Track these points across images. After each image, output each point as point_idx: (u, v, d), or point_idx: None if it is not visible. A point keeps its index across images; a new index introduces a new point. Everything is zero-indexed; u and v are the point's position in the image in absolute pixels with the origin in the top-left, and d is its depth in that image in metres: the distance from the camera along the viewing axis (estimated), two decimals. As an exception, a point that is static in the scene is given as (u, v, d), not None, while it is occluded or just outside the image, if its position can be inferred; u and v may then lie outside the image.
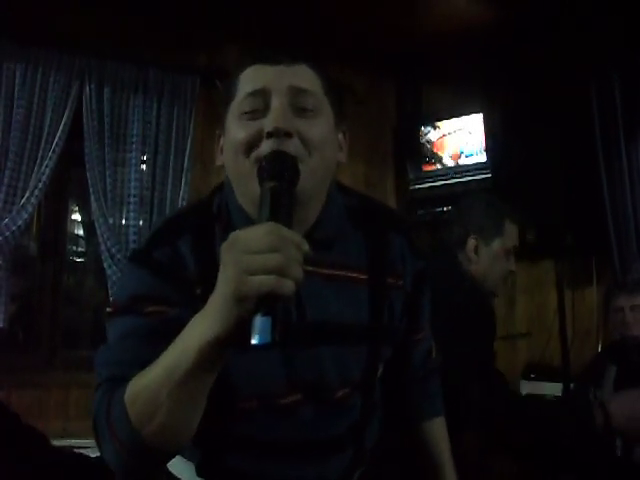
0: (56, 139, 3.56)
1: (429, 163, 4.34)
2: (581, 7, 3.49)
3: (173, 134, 3.86)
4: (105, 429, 1.04)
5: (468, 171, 4.14)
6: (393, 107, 4.60)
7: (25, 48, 3.54)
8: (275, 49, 1.18)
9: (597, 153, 3.84)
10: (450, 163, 4.25)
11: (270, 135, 1.09)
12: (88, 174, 3.64)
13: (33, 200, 3.47)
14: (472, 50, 3.95)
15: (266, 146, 1.09)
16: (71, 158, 3.77)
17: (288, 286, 0.86)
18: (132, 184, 3.73)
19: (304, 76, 1.16)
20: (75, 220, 4.18)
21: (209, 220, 1.21)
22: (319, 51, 3.98)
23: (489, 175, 4.03)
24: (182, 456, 1.22)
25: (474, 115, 4.15)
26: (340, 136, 1.26)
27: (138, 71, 3.82)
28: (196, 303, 1.00)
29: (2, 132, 3.46)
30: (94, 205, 3.64)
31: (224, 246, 0.90)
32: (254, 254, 0.87)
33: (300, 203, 1.09)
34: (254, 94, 1.13)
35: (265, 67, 1.15)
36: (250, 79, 1.15)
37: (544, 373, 4.07)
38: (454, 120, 4.23)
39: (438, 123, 4.28)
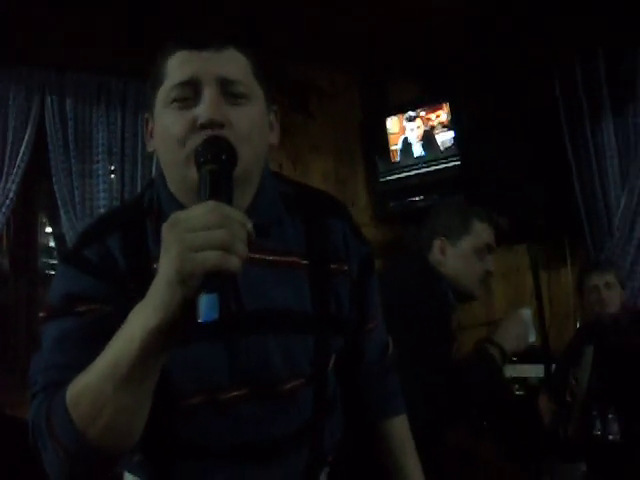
0: (20, 153, 3.52)
1: (397, 154, 4.34)
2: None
3: (139, 143, 3.83)
4: (46, 438, 1.00)
5: (437, 160, 4.15)
6: (358, 101, 4.60)
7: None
8: (202, 33, 1.15)
9: (563, 136, 3.88)
10: (418, 153, 4.25)
11: (204, 127, 1.08)
12: (55, 187, 3.61)
13: (1, 217, 3.44)
14: (437, 40, 3.95)
15: (200, 137, 1.07)
16: (38, 171, 3.74)
17: (234, 262, 0.84)
18: (101, 195, 3.70)
19: (234, 63, 1.14)
20: (47, 232, 4.14)
21: (139, 215, 1.19)
22: (280, 47, 4.02)
23: (458, 163, 4.04)
24: (132, 473, 1.21)
25: (441, 104, 4.16)
26: (272, 116, 1.24)
27: (99, 80, 3.79)
28: (130, 298, 0.98)
29: (-36, 149, 3.42)
30: (64, 217, 3.62)
31: (165, 227, 0.88)
32: (198, 231, 0.85)
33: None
34: (183, 83, 1.11)
35: (193, 53, 1.12)
36: (178, 66, 1.12)
37: (525, 356, 4.09)
38: (420, 110, 4.23)
39: (405, 114, 4.28)
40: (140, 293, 0.94)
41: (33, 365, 1.12)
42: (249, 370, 1.14)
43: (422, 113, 4.25)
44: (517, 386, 3.95)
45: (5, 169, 3.49)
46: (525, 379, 3.98)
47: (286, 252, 1.20)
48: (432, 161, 4.18)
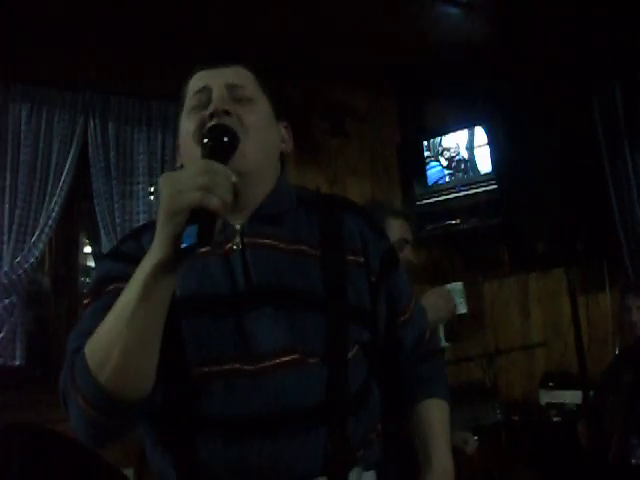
0: (64, 175, 3.60)
1: (434, 177, 4.34)
2: (582, 18, 3.51)
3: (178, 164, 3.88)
4: (70, 390, 1.10)
5: (475, 183, 4.14)
6: (395, 123, 4.62)
7: (30, 88, 3.60)
8: (215, 56, 1.35)
9: (602, 158, 3.85)
10: (456, 176, 4.25)
11: (212, 116, 1.23)
12: (97, 208, 3.68)
13: (44, 237, 3.52)
14: (473, 62, 3.96)
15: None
16: (80, 192, 3.82)
17: (214, 201, 0.98)
18: (140, 216, 3.76)
19: (238, 74, 1.33)
20: (87, 253, 4.21)
21: None
22: (319, 71, 4.06)
23: (496, 186, 4.03)
24: (155, 460, 1.24)
25: (478, 127, 4.16)
26: (283, 130, 1.39)
27: (141, 103, 3.87)
28: None
29: (11, 172, 3.50)
30: (104, 238, 3.68)
31: (160, 180, 1.04)
32: (184, 179, 1.00)
33: (242, 180, 1.20)
34: (198, 92, 1.29)
35: (207, 71, 1.33)
36: (195, 82, 1.33)
37: (562, 381, 4.05)
38: (458, 133, 4.24)
39: (441, 137, 4.29)
40: None
41: (68, 343, 1.20)
42: (253, 341, 1.18)
43: (459, 136, 4.25)
44: (554, 412, 3.90)
45: (49, 190, 3.57)
46: (562, 405, 3.92)
47: (296, 241, 1.27)
48: (470, 184, 4.18)
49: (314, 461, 1.17)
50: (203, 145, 1.17)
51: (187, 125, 1.29)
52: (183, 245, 0.97)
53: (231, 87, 1.28)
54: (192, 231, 0.96)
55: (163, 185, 1.02)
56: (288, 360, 1.17)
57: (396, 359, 1.41)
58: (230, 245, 1.24)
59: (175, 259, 1.02)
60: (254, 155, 1.25)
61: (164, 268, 1.02)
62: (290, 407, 1.16)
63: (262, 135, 1.28)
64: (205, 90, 1.28)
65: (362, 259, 1.31)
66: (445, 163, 4.32)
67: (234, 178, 1.05)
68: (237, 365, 1.16)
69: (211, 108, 1.24)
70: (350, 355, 1.25)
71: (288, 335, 1.19)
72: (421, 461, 1.37)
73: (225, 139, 1.17)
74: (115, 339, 1.04)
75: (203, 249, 1.04)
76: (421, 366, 1.44)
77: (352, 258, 1.30)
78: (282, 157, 1.39)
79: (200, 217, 0.97)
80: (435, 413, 1.41)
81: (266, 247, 1.24)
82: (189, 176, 1.00)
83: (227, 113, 1.24)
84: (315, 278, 1.25)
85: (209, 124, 1.22)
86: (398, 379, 1.44)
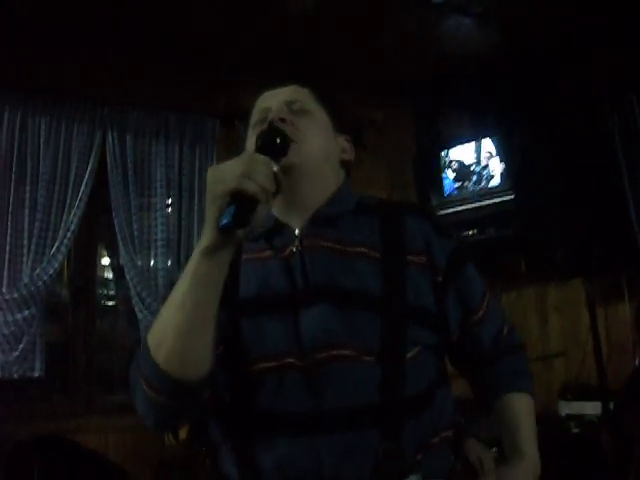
0: (82, 188, 3.65)
1: (450, 188, 4.34)
2: (597, 29, 3.51)
3: (196, 176, 3.93)
4: (136, 375, 1.19)
5: (491, 194, 4.13)
6: (412, 134, 4.62)
7: (49, 102, 3.64)
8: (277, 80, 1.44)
9: (620, 167, 3.82)
10: (472, 187, 4.25)
11: (269, 125, 1.30)
12: (115, 220, 3.72)
13: (63, 249, 3.55)
14: (485, 74, 3.97)
15: None
16: (98, 205, 3.86)
17: (251, 185, 1.05)
18: (159, 228, 3.79)
19: (295, 91, 1.41)
20: (104, 264, 4.24)
21: None
22: (335, 84, 4.08)
23: (512, 197, 4.02)
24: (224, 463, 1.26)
25: (494, 138, 4.15)
26: (345, 143, 1.45)
27: (159, 117, 3.91)
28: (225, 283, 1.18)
29: (30, 184, 3.55)
30: (122, 250, 3.71)
31: (207, 172, 1.12)
32: (226, 168, 1.09)
33: (296, 174, 1.28)
34: (260, 111, 1.39)
35: (268, 92, 1.43)
36: (258, 103, 1.42)
37: (582, 392, 4.01)
38: (473, 144, 4.23)
39: (457, 148, 4.29)
40: (232, 277, 1.21)
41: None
42: (305, 336, 1.20)
43: (476, 146, 4.25)
44: (574, 423, 3.86)
45: (68, 202, 3.61)
46: (582, 416, 3.88)
47: (356, 243, 1.30)
48: (486, 195, 4.17)
49: (365, 462, 1.16)
50: (255, 145, 1.24)
51: (249, 140, 1.36)
52: (220, 225, 1.05)
53: (289, 103, 1.37)
54: (229, 212, 1.04)
55: (209, 175, 1.10)
56: (339, 355, 1.18)
57: (475, 357, 1.42)
58: (290, 248, 1.29)
59: (218, 242, 1.08)
60: (308, 154, 1.31)
61: (210, 251, 1.10)
62: (340, 404, 1.17)
63: (318, 140, 1.35)
64: (266, 108, 1.38)
65: (424, 259, 1.31)
66: (452, 175, 4.32)
67: (273, 165, 1.12)
68: (290, 360, 1.19)
69: (269, 118, 1.32)
70: (409, 356, 1.24)
71: (341, 331, 1.20)
72: (507, 452, 1.36)
73: (277, 140, 1.24)
74: (169, 322, 1.13)
75: (240, 230, 1.08)
76: (503, 361, 1.42)
77: (413, 259, 1.30)
78: (347, 166, 1.45)
79: (238, 200, 1.04)
80: (521, 405, 1.40)
81: (324, 249, 1.28)
82: (230, 165, 1.09)
83: (282, 120, 1.31)
84: (373, 279, 1.26)
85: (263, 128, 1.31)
86: (480, 377, 1.44)
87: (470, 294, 1.38)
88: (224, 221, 1.04)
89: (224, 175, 1.07)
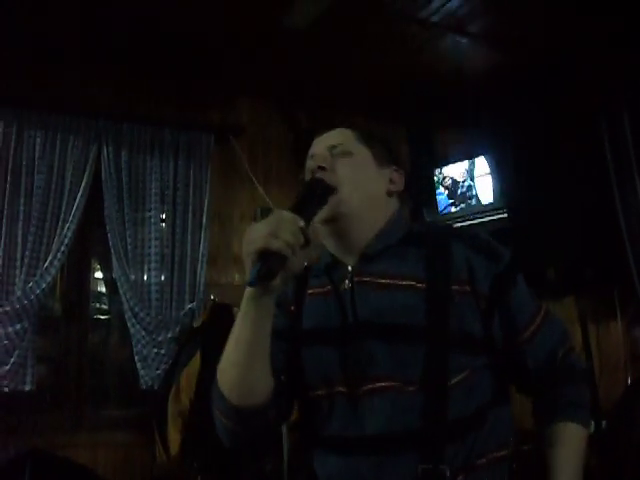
0: (77, 201, 3.65)
1: (444, 206, 4.35)
2: (588, 45, 3.55)
3: (190, 191, 3.94)
4: (213, 407, 1.35)
5: (484, 212, 4.15)
6: (406, 153, 4.64)
7: (44, 115, 3.65)
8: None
9: (611, 186, 3.84)
10: (465, 204, 4.26)
11: (313, 172, 1.44)
12: (109, 234, 3.71)
13: (56, 262, 3.55)
14: (481, 93, 3.99)
15: None
16: (92, 219, 3.86)
17: (277, 244, 1.15)
18: (152, 242, 3.79)
19: (337, 135, 1.52)
20: (97, 278, 4.23)
21: (306, 268, 1.48)
22: (334, 103, 4.09)
23: (505, 215, 4.04)
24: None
25: (487, 157, 4.18)
26: (393, 174, 1.53)
27: (153, 131, 3.92)
28: (291, 316, 1.45)
29: (24, 197, 3.55)
30: (116, 264, 3.71)
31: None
32: (256, 228, 1.19)
33: (342, 222, 1.41)
34: (309, 158, 1.51)
35: (316, 138, 1.54)
36: (310, 149, 1.53)
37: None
38: (467, 162, 4.26)
39: (451, 166, 4.31)
40: (297, 313, 1.45)
41: None
42: (355, 368, 1.33)
43: (469, 165, 4.27)
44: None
45: (62, 216, 3.61)
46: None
47: (402, 276, 1.38)
48: (478, 213, 4.19)
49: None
50: (296, 198, 1.34)
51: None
52: (247, 281, 1.18)
53: (331, 147, 1.47)
54: (255, 269, 1.15)
55: (244, 235, 1.20)
56: (385, 386, 1.31)
57: (525, 379, 1.43)
58: (344, 283, 1.42)
59: (255, 292, 1.23)
60: (349, 201, 1.41)
61: (251, 299, 1.24)
62: (382, 430, 1.29)
63: (358, 183, 1.44)
64: (313, 157, 1.49)
65: (468, 288, 1.36)
66: (446, 193, 4.34)
67: (300, 222, 1.20)
68: (341, 388, 1.35)
69: (308, 167, 1.47)
70: (453, 382, 1.30)
71: (386, 364, 1.31)
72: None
73: (318, 190, 1.36)
74: (229, 357, 1.29)
75: (269, 282, 1.19)
76: (564, 388, 1.42)
77: (458, 288, 1.36)
78: (400, 196, 1.55)
79: (264, 258, 1.15)
80: (570, 437, 1.39)
81: (372, 284, 1.39)
82: (259, 226, 1.18)
83: (322, 168, 1.43)
84: (418, 310, 1.34)
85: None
86: (539, 400, 1.45)
87: (516, 315, 1.40)
88: (250, 278, 1.16)
89: (254, 235, 1.17)
